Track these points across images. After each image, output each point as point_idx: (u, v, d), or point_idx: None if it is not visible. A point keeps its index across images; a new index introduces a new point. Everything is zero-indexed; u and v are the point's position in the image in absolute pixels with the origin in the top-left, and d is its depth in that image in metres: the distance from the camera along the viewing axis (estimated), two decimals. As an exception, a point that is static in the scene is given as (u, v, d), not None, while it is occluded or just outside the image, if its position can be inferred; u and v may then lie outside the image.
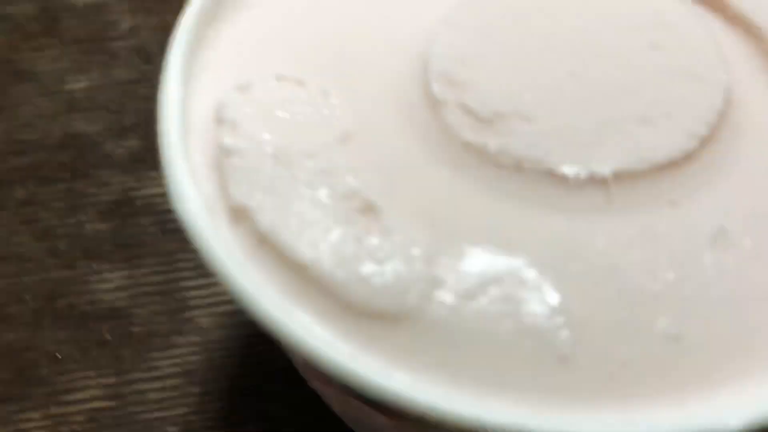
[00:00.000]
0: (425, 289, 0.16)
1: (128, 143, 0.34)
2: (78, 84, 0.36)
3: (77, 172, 0.33)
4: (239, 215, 0.17)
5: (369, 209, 0.17)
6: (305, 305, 0.16)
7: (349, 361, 0.15)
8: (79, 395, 0.27)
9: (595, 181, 0.18)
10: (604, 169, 0.18)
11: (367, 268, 0.16)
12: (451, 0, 0.21)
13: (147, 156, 0.33)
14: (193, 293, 0.29)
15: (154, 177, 0.32)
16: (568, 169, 0.18)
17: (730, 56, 0.20)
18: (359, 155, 0.18)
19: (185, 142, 0.19)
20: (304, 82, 0.20)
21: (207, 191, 0.18)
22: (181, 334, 0.28)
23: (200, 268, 0.30)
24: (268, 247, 0.17)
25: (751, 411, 0.14)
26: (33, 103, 0.35)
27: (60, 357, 0.28)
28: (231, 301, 0.29)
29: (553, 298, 0.16)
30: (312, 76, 0.20)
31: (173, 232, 0.31)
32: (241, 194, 0.18)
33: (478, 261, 0.17)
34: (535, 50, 0.20)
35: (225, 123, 0.19)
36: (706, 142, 0.18)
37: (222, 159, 0.18)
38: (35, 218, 0.31)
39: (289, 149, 0.18)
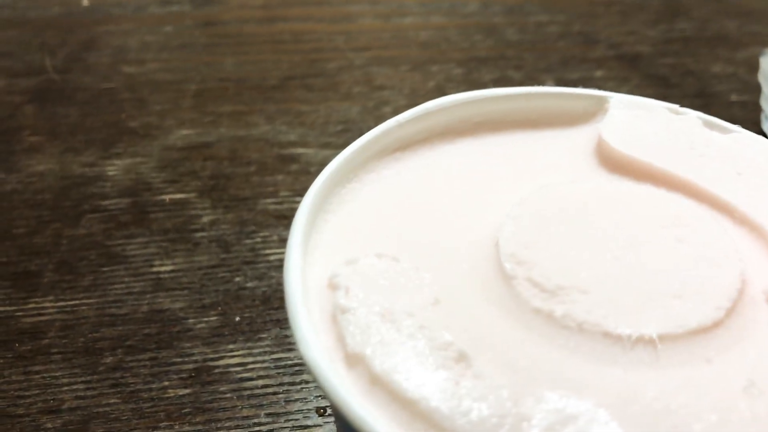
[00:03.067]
0: (515, 423, 0.20)
1: (208, 319, 0.38)
2: (164, 267, 0.41)
3: (162, 343, 0.37)
4: (354, 360, 0.21)
5: (461, 358, 0.21)
6: (414, 434, 0.20)
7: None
8: None
9: (643, 341, 0.22)
10: (651, 331, 0.22)
11: (466, 404, 0.20)
12: (509, 200, 0.27)
13: (225, 331, 0.37)
14: (267, 455, 0.32)
15: (231, 349, 0.36)
16: (622, 331, 0.22)
17: (741, 247, 0.25)
18: (449, 316, 0.23)
19: (306, 303, 0.23)
20: (398, 259, 0.25)
21: (325, 341, 0.22)
22: (255, 492, 0.31)
23: (273, 432, 0.33)
24: (380, 386, 0.21)
25: None
26: (123, 283, 0.40)
27: None
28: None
29: (619, 433, 0.20)
30: (404, 255, 0.25)
31: (248, 398, 0.34)
32: (356, 343, 0.22)
33: (556, 402, 0.20)
34: (582, 239, 0.25)
35: (339, 288, 0.23)
36: (729, 312, 0.23)
37: (338, 315, 0.22)
38: (123, 383, 0.35)
39: (392, 309, 0.23)
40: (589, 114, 0.32)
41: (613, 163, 0.29)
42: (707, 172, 0.28)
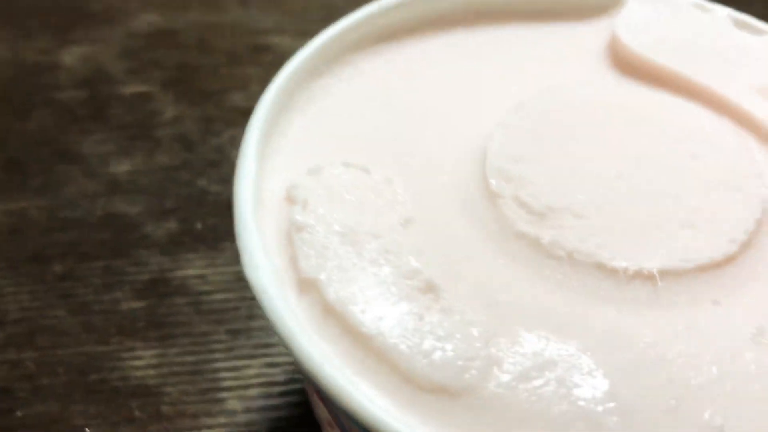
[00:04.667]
0: (483, 368, 0.17)
1: (167, 225, 0.35)
2: (121, 167, 0.38)
3: (116, 250, 0.34)
4: (307, 286, 0.18)
5: (429, 289, 0.18)
6: (367, 375, 0.17)
7: (409, 432, 0.16)
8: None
9: (642, 276, 0.19)
10: (652, 265, 0.19)
11: (429, 343, 0.17)
12: (504, 105, 0.23)
13: (185, 239, 0.34)
14: (224, 375, 0.29)
15: (191, 259, 0.33)
16: (618, 263, 0.19)
17: (765, 170, 0.22)
18: (420, 238, 0.20)
19: (258, 217, 0.20)
20: (369, 170, 0.21)
21: (277, 263, 0.19)
22: (210, 415, 0.28)
23: (232, 350, 0.30)
24: (334, 318, 0.18)
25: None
26: (77, 183, 0.37)
27: None
28: (261, 385, 0.29)
29: (604, 384, 0.17)
30: (376, 165, 0.21)
31: (207, 313, 0.31)
32: (310, 267, 0.18)
33: (534, 344, 0.18)
34: (583, 153, 0.22)
35: (297, 202, 0.20)
36: (745, 247, 0.20)
37: (293, 234, 0.19)
38: (72, 293, 0.32)
39: (356, 229, 0.19)
40: (603, 7, 0.28)
41: (627, 65, 0.26)
42: (733, 81, 0.24)
